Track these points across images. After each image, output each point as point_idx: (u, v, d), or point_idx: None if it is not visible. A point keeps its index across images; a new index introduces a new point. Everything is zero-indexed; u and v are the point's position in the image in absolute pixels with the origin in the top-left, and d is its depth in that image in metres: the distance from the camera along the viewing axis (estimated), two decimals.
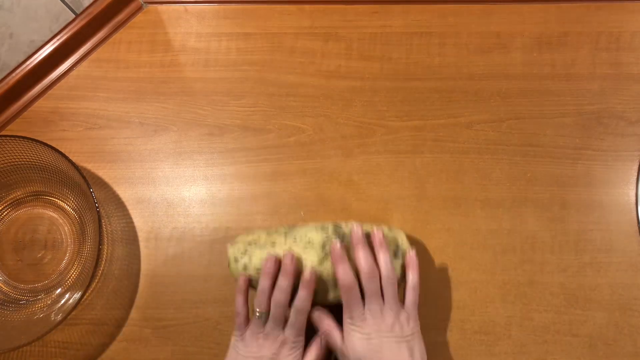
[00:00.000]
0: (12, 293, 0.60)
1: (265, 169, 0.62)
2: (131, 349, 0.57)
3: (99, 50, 0.67)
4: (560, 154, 0.60)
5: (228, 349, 0.51)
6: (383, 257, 0.49)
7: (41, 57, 0.64)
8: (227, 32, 0.67)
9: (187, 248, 0.60)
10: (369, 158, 0.61)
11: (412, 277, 0.50)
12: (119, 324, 0.58)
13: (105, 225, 0.61)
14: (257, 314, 0.49)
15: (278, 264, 0.50)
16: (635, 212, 0.58)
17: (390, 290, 0.48)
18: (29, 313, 0.58)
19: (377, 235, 0.50)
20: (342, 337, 0.49)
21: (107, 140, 0.64)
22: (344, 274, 0.48)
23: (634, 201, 0.58)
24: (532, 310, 0.56)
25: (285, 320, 0.49)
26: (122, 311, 0.59)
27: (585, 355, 0.55)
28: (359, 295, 0.48)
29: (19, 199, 0.62)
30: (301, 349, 0.49)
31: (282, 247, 0.51)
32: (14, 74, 0.63)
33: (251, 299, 0.51)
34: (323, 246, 0.50)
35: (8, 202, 0.62)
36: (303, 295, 0.48)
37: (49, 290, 0.60)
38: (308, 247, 0.50)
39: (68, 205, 0.62)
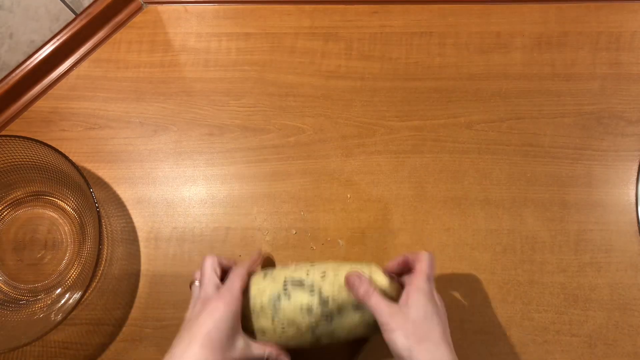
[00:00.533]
0: (12, 293, 0.60)
1: (265, 169, 0.62)
2: (131, 349, 0.57)
3: (99, 50, 0.67)
4: (560, 154, 0.60)
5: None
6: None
7: (41, 57, 0.64)
8: (227, 32, 0.67)
9: (187, 248, 0.60)
10: (369, 158, 0.61)
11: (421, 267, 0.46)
12: (119, 324, 0.58)
13: (105, 225, 0.61)
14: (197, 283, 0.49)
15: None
16: (635, 212, 0.58)
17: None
18: (29, 313, 0.58)
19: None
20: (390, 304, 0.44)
21: (107, 140, 0.64)
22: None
23: (634, 201, 0.58)
24: (532, 310, 0.56)
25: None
26: (122, 311, 0.58)
27: (585, 355, 0.55)
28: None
29: (19, 199, 0.62)
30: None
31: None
32: (13, 74, 0.63)
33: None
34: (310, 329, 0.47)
35: (8, 202, 0.62)
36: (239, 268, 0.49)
37: (49, 290, 0.60)
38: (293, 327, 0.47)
39: (68, 205, 0.62)
